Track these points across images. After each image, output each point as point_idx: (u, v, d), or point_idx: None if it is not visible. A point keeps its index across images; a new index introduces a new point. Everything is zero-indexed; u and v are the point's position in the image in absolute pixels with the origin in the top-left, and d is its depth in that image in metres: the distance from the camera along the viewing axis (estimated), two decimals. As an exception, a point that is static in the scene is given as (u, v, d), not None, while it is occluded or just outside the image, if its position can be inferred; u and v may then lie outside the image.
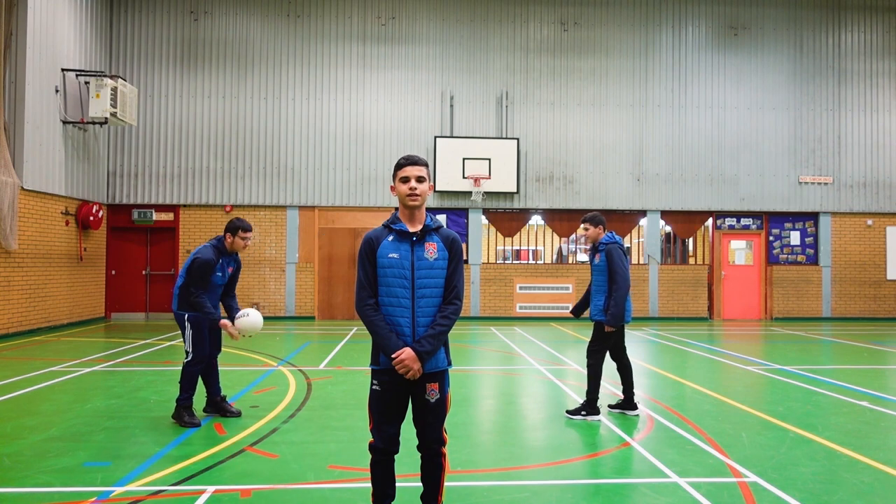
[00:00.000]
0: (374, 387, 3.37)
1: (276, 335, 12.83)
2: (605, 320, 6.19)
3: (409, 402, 3.41)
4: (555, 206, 16.40)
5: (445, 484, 3.57)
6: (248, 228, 6.05)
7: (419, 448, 3.45)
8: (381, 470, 3.44)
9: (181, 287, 5.98)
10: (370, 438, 3.43)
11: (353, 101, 16.18)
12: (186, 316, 5.94)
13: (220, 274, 6.03)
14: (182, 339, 6.04)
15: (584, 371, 6.56)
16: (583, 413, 6.30)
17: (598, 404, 6.37)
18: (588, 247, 6.70)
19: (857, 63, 17.04)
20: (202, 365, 6.04)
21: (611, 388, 7.63)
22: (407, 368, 3.22)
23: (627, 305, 6.27)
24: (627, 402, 6.46)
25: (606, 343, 6.36)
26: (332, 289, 16.08)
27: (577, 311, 6.77)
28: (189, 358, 5.95)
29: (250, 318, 6.02)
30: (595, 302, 6.37)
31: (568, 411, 6.41)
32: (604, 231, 6.43)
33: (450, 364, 3.46)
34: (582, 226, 6.53)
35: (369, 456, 3.46)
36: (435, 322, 3.30)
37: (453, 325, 3.36)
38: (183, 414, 5.91)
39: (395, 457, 3.48)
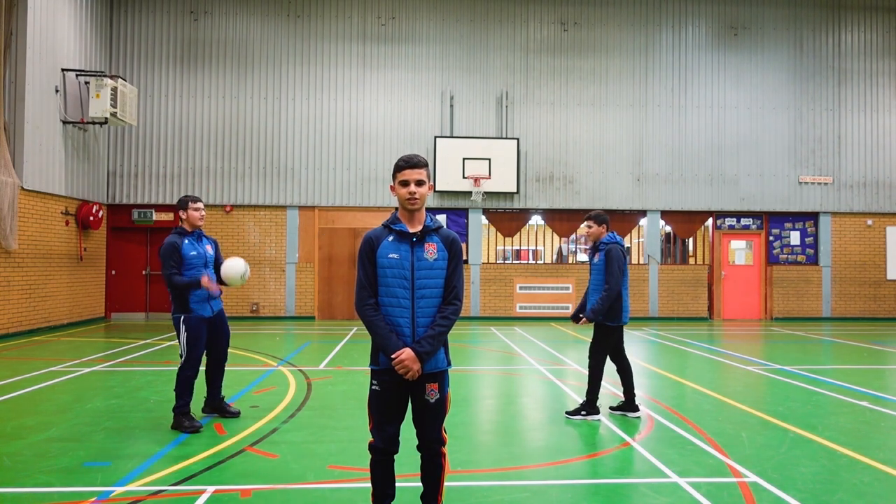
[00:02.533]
0: (373, 387, 3.38)
1: (276, 335, 12.83)
2: (588, 316, 6.20)
3: (408, 402, 3.41)
4: (555, 206, 16.40)
5: (445, 484, 3.57)
6: (196, 199, 6.05)
7: (419, 448, 3.46)
8: (381, 470, 3.44)
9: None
10: (370, 438, 3.44)
11: (353, 100, 16.18)
12: (182, 318, 5.82)
13: (194, 253, 5.91)
14: (178, 342, 5.94)
15: (585, 371, 6.56)
16: (582, 413, 6.30)
17: (598, 405, 6.37)
18: (588, 246, 6.62)
19: (857, 63, 17.03)
20: (196, 369, 5.88)
21: (611, 388, 7.63)
22: (406, 369, 3.23)
23: (625, 306, 6.26)
24: (629, 404, 6.45)
25: (607, 343, 6.33)
26: (332, 289, 16.08)
27: (577, 317, 6.65)
28: (182, 362, 5.82)
29: (228, 263, 5.94)
30: (592, 301, 6.34)
31: (567, 412, 6.40)
32: (607, 231, 6.40)
33: (449, 364, 3.46)
34: (585, 223, 6.51)
35: (369, 456, 3.46)
36: (435, 322, 3.31)
37: (453, 326, 3.36)
38: (182, 420, 5.74)
39: (395, 457, 3.48)
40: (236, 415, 6.20)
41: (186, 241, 5.92)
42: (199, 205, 6.06)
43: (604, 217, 6.41)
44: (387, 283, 3.31)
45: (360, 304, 3.34)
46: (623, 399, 6.52)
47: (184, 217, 6.02)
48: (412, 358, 3.23)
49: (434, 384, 3.36)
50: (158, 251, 5.92)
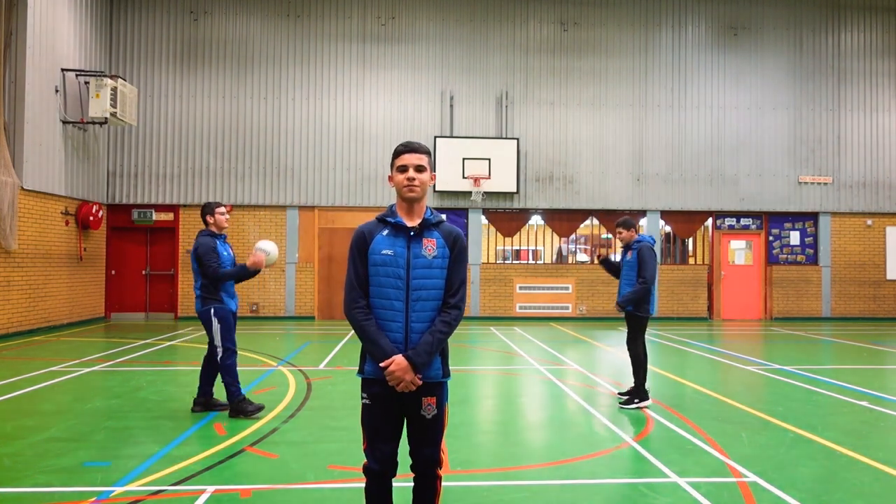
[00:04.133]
0: (364, 400, 3.01)
1: (276, 335, 12.82)
2: (619, 302, 6.86)
3: (403, 417, 3.05)
4: (555, 206, 16.40)
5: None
6: (220, 204, 6.51)
7: (412, 468, 3.08)
8: (376, 496, 3.04)
9: (201, 287, 6.20)
10: (364, 460, 3.05)
11: (353, 100, 16.18)
12: (212, 311, 6.14)
13: (225, 253, 6.34)
14: (209, 337, 6.19)
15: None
16: (636, 401, 6.67)
17: (646, 388, 6.76)
18: (621, 246, 7.19)
19: (856, 63, 17.03)
20: (236, 355, 6.25)
21: (609, 387, 7.63)
22: (398, 380, 2.87)
23: (654, 298, 6.89)
24: (637, 391, 6.74)
25: (641, 331, 6.90)
26: (331, 289, 16.08)
27: (606, 261, 7.37)
28: (222, 353, 6.15)
29: (266, 243, 6.27)
30: (624, 292, 6.93)
31: (621, 403, 6.74)
32: (636, 233, 7.03)
33: (447, 376, 3.07)
34: (616, 230, 7.13)
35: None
36: (433, 328, 2.94)
37: (452, 333, 3.02)
38: (244, 406, 6.09)
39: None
40: (227, 407, 6.32)
41: (218, 244, 6.31)
42: (223, 209, 6.50)
43: (631, 222, 7.02)
44: (378, 282, 2.95)
45: (349, 306, 2.98)
46: (627, 391, 6.86)
47: (211, 221, 6.41)
48: (404, 367, 2.86)
49: (431, 398, 2.98)
50: (193, 252, 6.22)
